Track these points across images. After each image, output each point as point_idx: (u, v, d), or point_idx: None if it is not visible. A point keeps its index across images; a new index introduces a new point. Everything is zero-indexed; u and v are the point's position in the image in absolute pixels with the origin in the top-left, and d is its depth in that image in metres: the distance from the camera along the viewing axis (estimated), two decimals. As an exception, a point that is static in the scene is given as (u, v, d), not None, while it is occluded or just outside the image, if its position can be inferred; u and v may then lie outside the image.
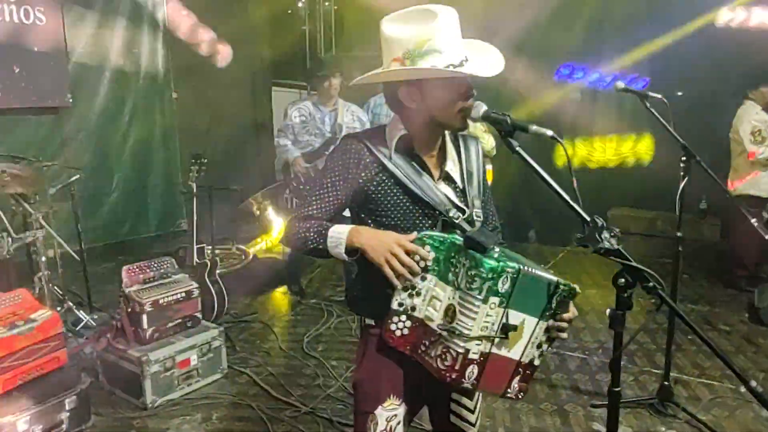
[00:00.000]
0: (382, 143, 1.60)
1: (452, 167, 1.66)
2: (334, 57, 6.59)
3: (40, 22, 4.98)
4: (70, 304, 3.92)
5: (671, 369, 3.17)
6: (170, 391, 3.19)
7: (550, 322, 1.53)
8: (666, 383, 3.14)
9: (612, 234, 1.40)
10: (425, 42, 1.48)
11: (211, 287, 3.88)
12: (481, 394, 1.79)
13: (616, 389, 1.47)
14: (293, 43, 7.49)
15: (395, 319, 1.50)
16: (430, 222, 1.57)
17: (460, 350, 1.40)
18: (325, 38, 6.96)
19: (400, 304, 1.49)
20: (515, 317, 1.43)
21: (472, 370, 1.42)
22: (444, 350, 1.43)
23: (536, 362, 1.57)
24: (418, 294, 1.48)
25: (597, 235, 1.38)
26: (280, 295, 4.87)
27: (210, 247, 4.10)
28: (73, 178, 4.04)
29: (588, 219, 1.41)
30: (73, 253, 3.88)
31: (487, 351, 1.43)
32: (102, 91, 5.72)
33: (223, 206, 5.12)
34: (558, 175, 1.47)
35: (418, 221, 1.57)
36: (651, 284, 1.37)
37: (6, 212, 3.70)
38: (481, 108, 1.54)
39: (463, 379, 1.42)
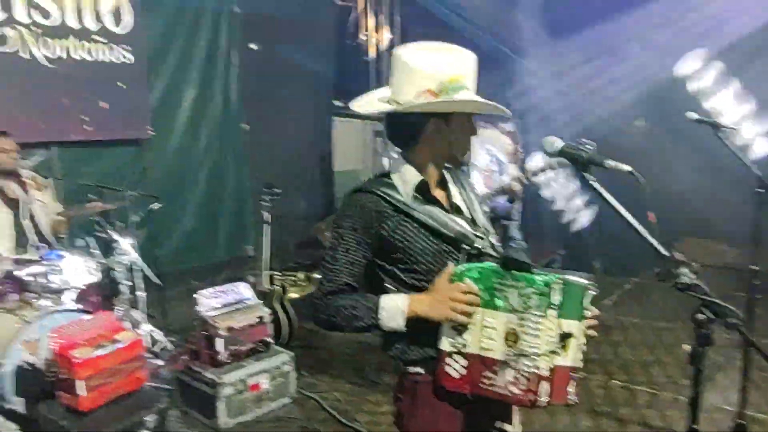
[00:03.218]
0: (393, 189, 1.56)
1: (459, 199, 1.67)
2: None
3: (126, 60, 5.35)
4: (149, 326, 4.12)
5: (746, 407, 3.03)
6: (242, 413, 3.30)
7: (586, 322, 1.51)
8: (741, 422, 3.00)
9: (690, 268, 1.40)
10: (459, 78, 1.50)
11: (281, 313, 4.00)
12: (519, 418, 1.76)
13: (695, 426, 1.44)
14: (356, 73, 7.70)
15: (449, 360, 1.48)
16: (456, 257, 1.56)
17: (533, 370, 1.41)
18: (388, 69, 7.12)
19: (452, 344, 1.48)
20: (567, 325, 1.44)
21: (546, 387, 1.42)
22: (515, 376, 1.43)
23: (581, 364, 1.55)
24: (466, 329, 1.47)
25: (675, 270, 1.37)
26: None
27: (280, 274, 4.24)
28: (154, 206, 4.28)
29: (666, 253, 1.40)
30: (154, 278, 4.08)
31: (553, 364, 1.43)
32: (179, 123, 6.06)
33: (290, 234, 5.28)
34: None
35: (447, 259, 1.55)
36: (731, 320, 1.35)
37: (93, 238, 3.96)
38: (557, 142, 1.56)
39: (540, 399, 1.42)
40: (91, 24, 5.10)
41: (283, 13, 6.64)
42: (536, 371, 1.41)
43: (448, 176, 1.68)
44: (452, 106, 1.52)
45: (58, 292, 3.45)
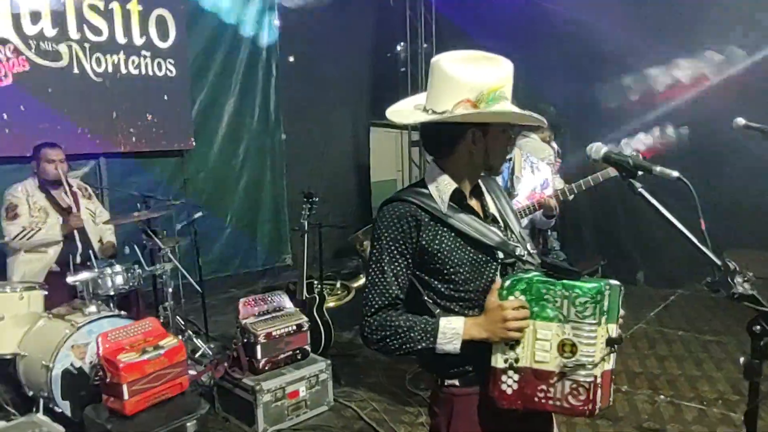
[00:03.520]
0: (429, 198, 1.55)
1: (494, 208, 1.65)
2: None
3: (170, 74, 5.51)
4: (190, 332, 4.20)
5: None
6: (280, 420, 3.32)
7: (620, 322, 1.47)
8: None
9: (745, 278, 1.35)
10: (498, 88, 1.48)
11: (319, 321, 4.02)
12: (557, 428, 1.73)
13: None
14: (392, 84, 7.75)
15: (503, 377, 1.45)
16: (494, 267, 1.54)
17: (590, 379, 1.39)
18: (425, 80, 7.14)
19: (505, 360, 1.45)
20: (612, 329, 1.41)
21: (599, 395, 1.40)
22: (573, 386, 1.40)
23: None
24: (518, 343, 1.44)
25: (729, 280, 1.32)
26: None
27: (318, 283, 4.27)
28: (196, 215, 4.38)
29: (719, 263, 1.35)
30: (196, 285, 4.16)
31: (603, 370, 1.41)
32: (220, 134, 6.20)
33: (327, 243, 5.32)
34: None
35: (484, 269, 1.54)
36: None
37: (139, 246, 4.07)
38: (602, 149, 1.53)
39: (597, 407, 1.40)
40: (138, 39, 5.28)
41: (320, 25, 6.74)
42: (593, 380, 1.39)
43: (482, 185, 1.66)
44: (492, 117, 1.51)
45: (105, 298, 3.56)
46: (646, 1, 5.60)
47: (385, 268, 1.52)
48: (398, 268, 1.53)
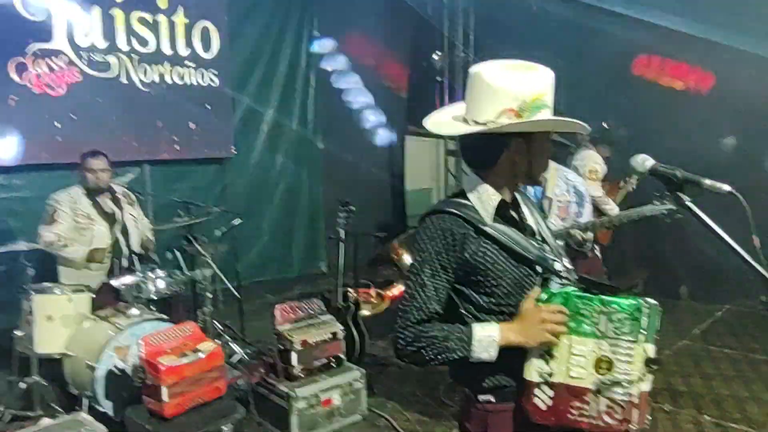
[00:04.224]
0: (473, 210, 1.52)
1: (531, 221, 1.62)
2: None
3: (213, 83, 5.66)
4: (227, 337, 4.27)
5: None
6: (314, 428, 3.33)
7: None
8: None
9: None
10: (541, 96, 1.46)
11: (354, 329, 4.04)
12: None
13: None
14: (428, 93, 7.75)
15: (537, 391, 1.42)
16: (533, 280, 1.52)
17: (626, 398, 1.36)
18: (463, 89, 7.13)
19: (539, 374, 1.42)
20: (650, 349, 1.38)
21: (636, 415, 1.37)
22: (609, 405, 1.38)
23: None
24: (552, 357, 1.42)
25: None
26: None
27: (353, 291, 4.28)
28: (235, 222, 4.46)
29: None
30: (234, 291, 4.24)
31: (640, 390, 1.37)
32: (259, 142, 6.33)
33: (362, 251, 5.33)
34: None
35: (525, 283, 1.51)
36: None
37: (179, 251, 4.17)
38: (648, 161, 1.50)
39: (632, 426, 1.37)
40: (182, 50, 5.44)
41: (358, 34, 6.81)
42: (630, 399, 1.36)
43: (519, 197, 1.65)
44: (537, 125, 1.49)
45: (148, 301, 3.65)
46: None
47: (426, 281, 1.49)
48: (439, 283, 1.50)
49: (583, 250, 3.35)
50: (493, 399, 1.53)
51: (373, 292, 5.69)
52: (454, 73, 7.34)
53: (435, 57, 7.74)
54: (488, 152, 1.54)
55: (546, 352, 1.42)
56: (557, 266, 1.52)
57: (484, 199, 1.54)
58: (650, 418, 1.44)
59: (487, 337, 1.44)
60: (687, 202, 1.43)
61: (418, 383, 4.05)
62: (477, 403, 1.55)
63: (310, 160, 6.83)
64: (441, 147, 8.15)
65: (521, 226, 1.59)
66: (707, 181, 1.40)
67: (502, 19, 6.69)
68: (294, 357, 3.38)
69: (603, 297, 1.39)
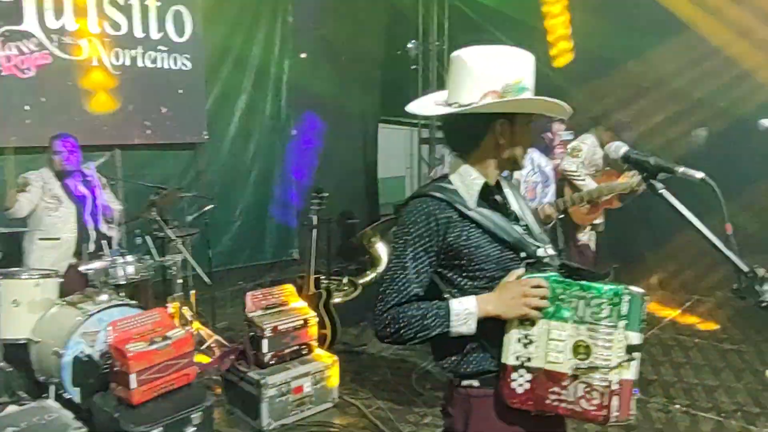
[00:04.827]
0: (456, 194, 1.53)
1: (516, 206, 1.63)
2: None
3: (185, 68, 5.57)
4: (198, 324, 4.24)
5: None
6: (284, 415, 3.33)
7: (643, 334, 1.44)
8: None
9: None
10: (521, 80, 1.48)
11: (326, 316, 4.05)
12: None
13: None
14: (403, 81, 7.75)
15: (514, 375, 1.42)
16: (517, 264, 1.51)
17: (605, 383, 1.36)
18: (438, 78, 7.14)
19: (517, 357, 1.42)
20: (633, 337, 1.38)
21: (616, 403, 1.37)
22: (586, 390, 1.38)
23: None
24: (531, 342, 1.42)
25: (756, 287, 1.30)
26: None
27: (325, 278, 4.30)
28: (207, 208, 4.42)
29: (746, 269, 1.32)
30: (205, 277, 4.19)
31: (621, 378, 1.38)
32: (232, 129, 6.25)
33: (335, 239, 5.35)
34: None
35: (509, 267, 1.50)
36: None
37: (150, 237, 4.11)
38: (621, 148, 1.52)
39: (612, 414, 1.37)
40: (155, 34, 5.34)
41: (332, 21, 6.77)
42: (608, 385, 1.36)
43: (502, 182, 1.65)
44: (522, 105, 1.50)
45: (116, 287, 3.60)
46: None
47: (408, 264, 1.49)
48: (421, 266, 1.50)
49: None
50: (476, 383, 1.53)
51: (345, 279, 5.72)
52: (429, 62, 7.34)
53: (410, 45, 7.72)
54: (472, 134, 1.55)
55: (524, 336, 1.42)
56: (540, 252, 1.52)
57: (468, 182, 1.55)
58: (635, 411, 1.41)
59: (464, 311, 1.45)
60: (660, 190, 1.44)
61: (390, 371, 4.08)
62: (460, 388, 1.55)
63: (282, 147, 6.77)
64: (415, 135, 8.16)
65: (505, 210, 1.59)
66: (680, 169, 1.41)
67: (479, 6, 6.73)
68: (265, 344, 3.37)
69: (582, 283, 1.40)
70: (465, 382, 1.54)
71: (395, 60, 7.79)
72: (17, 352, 3.39)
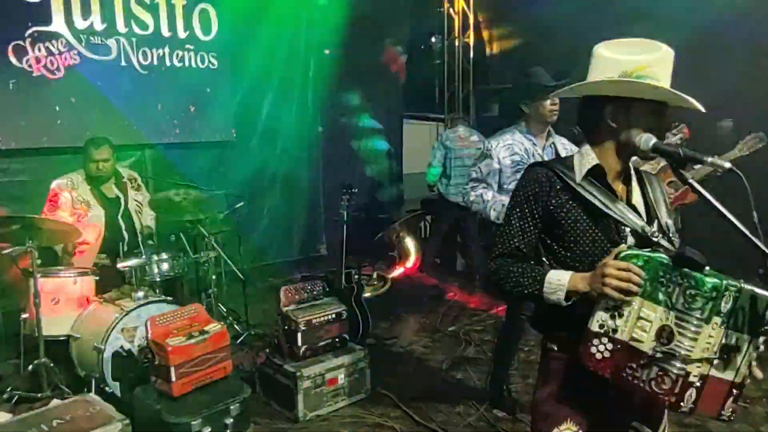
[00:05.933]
0: (569, 169, 1.62)
1: (639, 200, 1.64)
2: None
3: (213, 67, 5.63)
4: (231, 319, 4.31)
5: None
6: (319, 406, 3.38)
7: (761, 339, 1.42)
8: None
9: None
10: (644, 68, 1.49)
11: (357, 310, 4.08)
12: (666, 427, 1.72)
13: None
14: (427, 77, 7.74)
15: (595, 341, 1.43)
16: (616, 244, 1.52)
17: (680, 373, 1.37)
18: (463, 73, 7.14)
19: (601, 326, 1.42)
20: (734, 337, 1.38)
21: (691, 394, 1.38)
22: (660, 373, 1.39)
23: (746, 381, 1.47)
24: (621, 315, 1.41)
25: None
26: (418, 321, 4.99)
27: (355, 273, 4.32)
28: (238, 205, 4.48)
29: None
30: (239, 273, 4.26)
31: (706, 373, 1.38)
32: (259, 126, 6.30)
33: (364, 234, 5.37)
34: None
35: (606, 249, 1.53)
36: None
37: (184, 235, 4.19)
38: (651, 140, 1.52)
39: (682, 403, 1.38)
40: (182, 33, 5.41)
41: (357, 16, 6.77)
42: (683, 376, 1.37)
43: (635, 175, 1.67)
44: (619, 87, 1.51)
45: (153, 284, 3.68)
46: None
47: (513, 221, 1.65)
48: (525, 225, 1.63)
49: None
50: (555, 347, 1.64)
51: (374, 274, 5.76)
52: (454, 56, 7.33)
53: (433, 40, 7.72)
54: (589, 118, 1.64)
55: (614, 307, 1.42)
56: (648, 230, 1.52)
57: (583, 161, 1.62)
58: (728, 411, 1.41)
59: (557, 281, 1.52)
60: (689, 180, 1.47)
61: (421, 363, 4.10)
62: (547, 351, 1.67)
63: (310, 144, 6.82)
64: (439, 131, 8.16)
65: (613, 195, 1.59)
66: (709, 159, 1.43)
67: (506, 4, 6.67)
68: (299, 337, 3.42)
69: (687, 270, 1.38)
70: (548, 345, 1.67)
71: (420, 55, 7.79)
72: (58, 348, 3.48)
